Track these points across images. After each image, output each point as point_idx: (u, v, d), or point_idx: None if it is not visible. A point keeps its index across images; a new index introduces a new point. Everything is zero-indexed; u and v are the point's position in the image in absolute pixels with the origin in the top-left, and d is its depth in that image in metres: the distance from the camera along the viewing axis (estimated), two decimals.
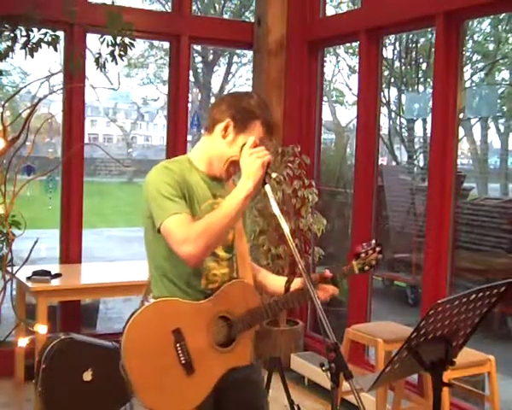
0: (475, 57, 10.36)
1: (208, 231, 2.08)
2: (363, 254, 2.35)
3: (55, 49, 4.37)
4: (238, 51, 13.53)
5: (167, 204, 2.12)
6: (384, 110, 10.62)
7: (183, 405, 2.19)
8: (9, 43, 4.24)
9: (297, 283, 2.37)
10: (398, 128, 11.34)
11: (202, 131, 2.58)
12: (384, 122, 10.95)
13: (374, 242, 2.39)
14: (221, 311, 2.25)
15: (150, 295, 2.29)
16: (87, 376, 3.89)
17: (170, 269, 2.22)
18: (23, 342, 4.44)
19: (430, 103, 4.35)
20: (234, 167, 2.26)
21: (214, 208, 2.21)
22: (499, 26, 10.29)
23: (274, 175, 2.17)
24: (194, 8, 10.40)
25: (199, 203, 2.23)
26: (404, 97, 11.21)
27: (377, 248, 2.37)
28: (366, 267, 2.35)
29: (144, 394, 2.16)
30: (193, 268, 2.18)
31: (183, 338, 2.17)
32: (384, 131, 10.70)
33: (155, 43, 14.21)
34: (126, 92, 18.76)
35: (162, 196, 2.13)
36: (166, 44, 6.48)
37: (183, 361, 2.17)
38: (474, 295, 2.03)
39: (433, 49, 7.51)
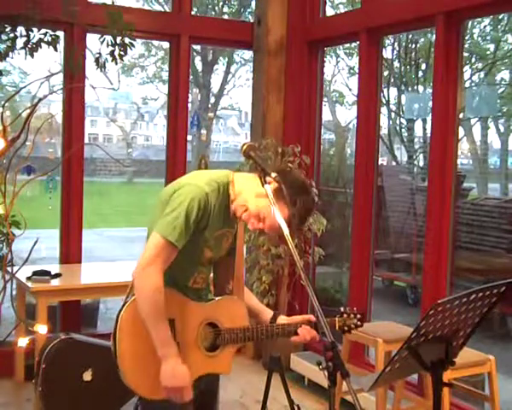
0: (475, 57, 10.36)
1: (151, 307, 2.17)
2: (345, 315, 2.53)
3: (55, 49, 4.37)
4: (238, 51, 13.54)
5: (177, 228, 2.18)
6: (384, 110, 10.63)
7: (159, 391, 2.24)
8: (9, 44, 4.24)
9: (281, 320, 2.49)
10: (398, 128, 11.34)
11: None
12: (384, 122, 10.96)
13: (356, 310, 2.58)
14: (212, 317, 2.35)
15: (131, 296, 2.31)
16: (87, 376, 3.89)
17: (176, 267, 2.27)
18: (23, 342, 4.45)
19: (430, 103, 4.35)
20: (253, 225, 2.30)
21: (223, 237, 2.38)
22: (498, 27, 10.29)
23: (274, 175, 2.18)
24: (195, 9, 10.40)
25: (216, 229, 2.32)
26: (403, 97, 11.22)
27: (358, 316, 2.55)
28: (345, 328, 2.53)
29: (128, 372, 2.24)
30: (187, 271, 2.34)
31: (174, 329, 2.26)
32: (384, 131, 10.71)
33: (155, 43, 14.22)
34: (126, 92, 18.76)
35: (181, 221, 2.19)
36: (166, 44, 6.47)
37: None
38: (474, 295, 2.03)
39: (432, 49, 7.52)
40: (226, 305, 2.40)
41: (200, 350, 2.32)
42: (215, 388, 2.55)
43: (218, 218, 2.31)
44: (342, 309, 2.54)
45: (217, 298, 2.41)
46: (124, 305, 2.27)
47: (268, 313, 2.54)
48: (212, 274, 2.51)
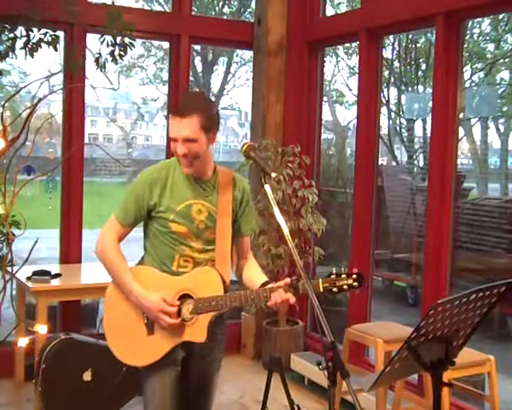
0: (475, 57, 10.35)
1: (108, 266, 2.55)
2: (333, 276, 2.35)
3: (55, 49, 4.37)
4: (238, 51, 13.53)
5: (122, 207, 2.53)
6: (384, 110, 10.61)
7: (140, 359, 2.51)
8: (9, 44, 4.24)
9: (269, 286, 2.48)
10: (398, 128, 11.33)
11: None
12: (384, 122, 10.94)
13: (355, 270, 2.37)
14: (186, 289, 2.47)
15: None
16: (87, 376, 3.89)
17: (151, 248, 2.58)
18: (23, 342, 4.44)
19: (430, 103, 4.35)
20: (179, 156, 2.48)
21: (192, 209, 2.51)
22: (498, 27, 10.29)
23: (273, 175, 2.19)
24: (195, 9, 10.41)
25: (177, 204, 2.50)
26: (403, 97, 11.21)
27: (353, 276, 2.35)
28: (334, 289, 2.35)
29: (114, 343, 2.53)
30: (167, 252, 2.53)
31: None
32: (384, 131, 10.69)
33: (155, 43, 14.21)
34: (126, 92, 18.75)
35: (125, 198, 2.54)
36: (166, 44, 6.47)
37: (145, 321, 2.48)
38: (474, 295, 2.03)
39: (432, 49, 7.52)
40: (199, 276, 2.49)
41: (176, 320, 2.45)
42: (214, 354, 2.63)
43: (179, 191, 2.50)
44: (332, 270, 2.38)
45: (192, 270, 2.51)
46: None
47: (258, 282, 2.54)
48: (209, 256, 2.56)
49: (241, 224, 2.64)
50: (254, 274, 2.63)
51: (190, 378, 2.61)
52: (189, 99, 2.52)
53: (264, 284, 2.49)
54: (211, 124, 2.46)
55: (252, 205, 2.69)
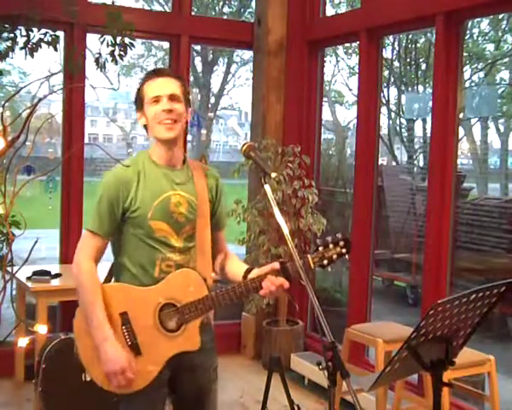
0: (475, 57, 10.35)
1: (80, 292, 2.47)
2: (321, 248, 2.23)
3: (55, 49, 4.37)
4: (238, 51, 13.53)
5: (94, 217, 2.34)
6: (384, 110, 10.62)
7: (132, 384, 2.29)
8: (9, 44, 4.24)
9: (253, 273, 2.35)
10: (398, 128, 11.34)
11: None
12: (384, 122, 10.95)
13: (339, 236, 2.23)
14: (167, 297, 2.30)
15: None
16: (87, 376, 3.88)
17: (130, 256, 2.37)
18: (23, 342, 4.44)
19: (430, 103, 4.34)
20: (160, 117, 2.34)
21: (171, 202, 2.34)
22: (498, 27, 10.29)
23: (273, 175, 2.18)
24: (195, 9, 10.40)
25: (154, 198, 2.33)
26: (403, 97, 11.21)
27: (340, 243, 2.23)
28: (325, 262, 2.23)
29: (93, 371, 2.35)
30: (147, 257, 2.33)
31: (128, 321, 2.28)
32: (384, 131, 10.70)
33: (155, 43, 14.21)
34: (126, 92, 18.75)
35: (96, 207, 2.34)
36: (166, 44, 6.47)
37: (129, 343, 2.29)
38: (474, 295, 2.03)
39: (432, 49, 7.52)
40: (178, 280, 2.32)
41: (163, 333, 2.30)
42: (208, 363, 2.47)
43: (154, 184, 2.34)
44: (318, 242, 2.24)
45: (167, 276, 2.33)
46: None
47: (239, 270, 2.42)
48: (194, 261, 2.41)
49: (219, 216, 2.50)
50: (235, 266, 2.49)
51: (185, 396, 2.45)
52: (167, 69, 2.53)
53: (247, 272, 2.36)
54: (188, 98, 2.42)
55: (225, 195, 2.56)
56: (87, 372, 2.37)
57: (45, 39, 4.29)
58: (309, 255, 2.24)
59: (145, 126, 2.42)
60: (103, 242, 2.35)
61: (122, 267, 2.40)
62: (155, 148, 2.41)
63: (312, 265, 2.23)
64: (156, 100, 2.34)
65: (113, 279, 2.44)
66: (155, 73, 2.40)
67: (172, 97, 2.34)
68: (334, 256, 2.23)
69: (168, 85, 2.35)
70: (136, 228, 2.33)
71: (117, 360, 2.24)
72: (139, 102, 2.41)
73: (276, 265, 2.28)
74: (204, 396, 2.47)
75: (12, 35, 4.22)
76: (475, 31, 10.41)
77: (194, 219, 2.38)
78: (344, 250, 2.24)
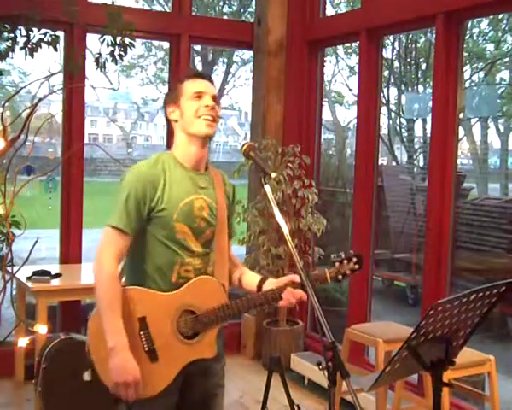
0: (475, 57, 10.36)
1: (101, 294, 2.21)
2: (337, 263, 2.36)
3: (55, 49, 4.37)
4: (238, 51, 13.54)
5: (121, 214, 2.24)
6: (384, 110, 10.62)
7: (146, 390, 2.23)
8: (9, 44, 4.24)
9: (270, 283, 2.39)
10: (398, 128, 11.34)
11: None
12: (384, 122, 10.96)
13: (352, 252, 2.40)
14: (187, 304, 2.29)
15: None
16: (87, 376, 3.88)
17: (147, 259, 2.30)
18: (23, 342, 4.45)
19: (430, 103, 4.35)
20: (202, 112, 2.32)
21: (195, 205, 2.31)
22: (498, 27, 10.29)
23: (273, 175, 2.18)
24: (195, 9, 10.39)
25: (180, 199, 2.29)
26: (403, 97, 11.22)
27: (354, 259, 2.38)
28: (339, 276, 2.37)
29: (105, 374, 2.22)
30: (166, 260, 2.28)
31: (147, 326, 2.24)
32: (384, 131, 10.71)
33: (155, 43, 14.21)
34: (126, 92, 18.76)
35: (123, 205, 2.24)
36: (166, 44, 6.47)
37: (147, 349, 2.23)
38: (474, 295, 2.03)
39: (432, 49, 7.52)
40: (198, 287, 2.31)
41: (180, 340, 2.28)
42: (216, 368, 2.45)
43: (180, 185, 2.30)
44: (333, 257, 2.38)
45: (188, 282, 2.30)
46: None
47: (253, 280, 2.44)
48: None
49: (230, 224, 2.51)
50: (249, 275, 2.50)
51: (193, 401, 2.40)
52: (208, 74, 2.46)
53: (261, 281, 2.39)
54: None
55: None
56: (99, 374, 2.26)
57: (45, 39, 4.30)
58: (326, 269, 2.36)
59: (174, 121, 2.38)
60: (129, 240, 2.25)
61: (137, 269, 2.32)
62: (184, 147, 2.36)
63: (329, 279, 2.36)
64: (199, 96, 2.32)
65: (123, 279, 2.37)
66: (200, 75, 2.40)
67: (214, 98, 2.35)
68: (348, 272, 2.36)
69: (211, 87, 2.38)
70: (158, 229, 2.28)
71: (132, 373, 2.16)
72: (174, 96, 2.37)
73: (297, 278, 2.31)
74: (211, 400, 2.46)
75: (12, 35, 4.22)
76: (475, 31, 10.42)
77: (214, 224, 2.37)
78: (357, 266, 2.38)
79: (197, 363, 2.31)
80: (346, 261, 2.36)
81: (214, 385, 2.46)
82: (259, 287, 2.39)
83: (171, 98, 2.39)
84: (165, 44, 9.70)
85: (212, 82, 2.42)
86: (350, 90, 12.75)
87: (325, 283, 2.37)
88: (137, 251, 2.30)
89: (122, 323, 2.17)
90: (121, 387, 2.17)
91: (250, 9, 12.70)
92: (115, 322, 2.17)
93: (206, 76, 2.41)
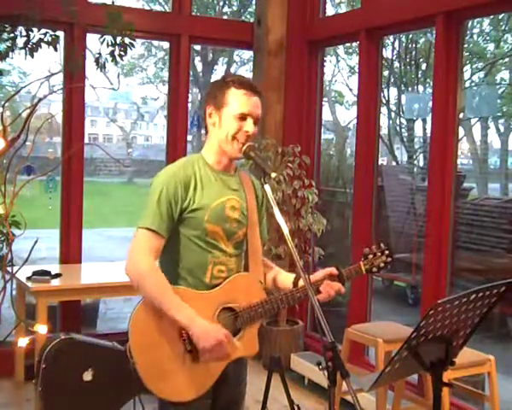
0: (475, 57, 10.36)
1: (150, 292, 2.16)
2: (370, 256, 2.40)
3: (55, 49, 4.37)
4: (238, 51, 13.54)
5: (154, 215, 2.20)
6: (384, 110, 10.62)
7: (192, 392, 2.21)
8: (9, 44, 4.24)
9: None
10: (398, 128, 11.34)
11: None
12: (384, 122, 10.96)
13: (383, 245, 2.42)
14: (227, 301, 2.27)
15: None
16: (87, 376, 3.88)
17: (179, 259, 2.27)
18: (23, 342, 4.44)
19: (430, 103, 4.35)
20: (240, 138, 2.27)
21: (226, 206, 2.29)
22: (498, 27, 10.29)
23: (273, 175, 2.18)
24: (195, 9, 10.41)
25: (212, 200, 2.27)
26: (403, 97, 11.21)
27: (386, 252, 2.41)
28: (374, 269, 2.40)
29: (156, 385, 2.18)
30: (198, 260, 2.25)
31: None
32: (384, 131, 10.70)
33: (155, 43, 14.22)
34: (126, 92, 18.77)
35: (155, 206, 2.21)
36: (166, 44, 6.47)
37: (189, 349, 2.19)
38: (474, 295, 2.03)
39: (432, 49, 7.52)
40: (237, 283, 2.30)
41: None
42: (243, 374, 2.44)
43: (210, 187, 2.28)
44: (367, 250, 2.41)
45: (225, 280, 2.29)
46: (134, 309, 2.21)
47: (288, 278, 2.44)
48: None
49: (262, 228, 2.50)
50: (283, 274, 2.49)
51: (218, 407, 2.35)
52: (258, 86, 2.34)
53: (296, 278, 2.36)
54: None
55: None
56: (146, 384, 2.17)
57: (45, 39, 4.30)
58: (361, 262, 2.39)
59: (211, 124, 2.31)
60: (162, 242, 2.21)
61: (169, 270, 2.26)
62: (214, 154, 2.34)
63: (364, 271, 2.40)
64: (243, 117, 2.25)
65: None
66: (251, 89, 2.27)
67: (257, 120, 2.28)
68: (382, 264, 2.40)
69: (258, 106, 2.28)
70: (190, 229, 2.25)
71: (213, 334, 2.13)
72: (217, 101, 2.27)
73: (335, 270, 2.34)
74: (235, 406, 2.45)
75: (12, 35, 4.22)
76: (475, 31, 10.42)
77: (245, 226, 2.36)
78: (389, 259, 2.41)
79: (226, 367, 2.27)
80: (379, 254, 2.40)
81: (240, 394, 2.45)
82: (295, 284, 2.38)
83: (214, 101, 2.29)
84: (166, 44, 9.70)
85: (261, 96, 2.31)
86: (350, 90, 12.77)
87: (360, 274, 2.40)
88: (169, 252, 2.27)
89: (178, 298, 2.14)
90: (211, 352, 2.14)
91: (250, 9, 12.70)
92: (174, 301, 2.13)
93: (257, 92, 2.29)
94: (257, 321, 2.31)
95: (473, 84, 10.44)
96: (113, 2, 4.60)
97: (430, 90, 5.24)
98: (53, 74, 4.51)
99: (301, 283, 2.35)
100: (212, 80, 16.04)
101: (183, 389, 2.21)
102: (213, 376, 2.25)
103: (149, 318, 2.18)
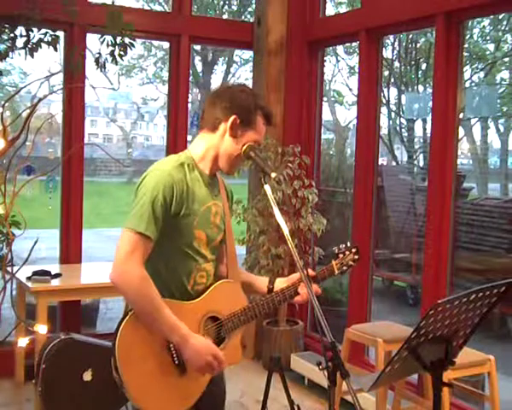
0: (475, 57, 10.36)
1: (142, 304, 2.09)
2: (340, 255, 2.43)
3: (55, 49, 4.37)
4: (238, 51, 13.54)
5: (147, 218, 2.09)
6: (384, 110, 10.61)
7: (180, 404, 2.21)
8: (9, 44, 4.24)
9: (281, 282, 2.41)
10: (398, 128, 11.33)
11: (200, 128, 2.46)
12: (384, 122, 10.94)
13: (349, 244, 2.47)
14: (210, 311, 2.27)
15: None
16: (87, 376, 3.88)
17: (165, 270, 2.22)
18: (23, 342, 4.44)
19: (430, 103, 4.34)
20: (238, 162, 2.30)
21: (211, 212, 2.27)
22: (498, 27, 10.29)
23: (273, 175, 2.18)
24: (195, 9, 10.40)
25: (200, 205, 2.24)
26: (403, 97, 11.21)
27: (353, 249, 2.45)
28: (344, 268, 2.43)
29: (142, 400, 2.14)
30: (184, 267, 2.22)
31: None
32: (384, 131, 10.69)
33: (155, 43, 14.21)
34: (126, 92, 18.76)
35: (147, 208, 2.10)
36: (166, 44, 6.47)
37: (177, 362, 2.18)
38: (474, 295, 2.03)
39: (432, 49, 7.52)
40: (220, 292, 2.29)
41: None
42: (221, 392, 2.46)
43: (199, 191, 2.23)
44: (336, 249, 2.44)
45: (208, 289, 2.27)
46: (119, 324, 2.15)
47: (262, 282, 2.45)
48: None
49: None
50: (255, 277, 2.51)
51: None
52: None
53: (270, 282, 2.41)
54: None
55: None
56: (132, 399, 2.14)
57: (45, 39, 4.30)
58: (333, 261, 2.42)
59: (224, 131, 2.25)
60: (151, 247, 2.11)
61: (152, 279, 2.14)
62: (208, 160, 2.29)
63: (336, 270, 2.42)
64: (252, 144, 2.26)
65: None
66: (271, 122, 2.33)
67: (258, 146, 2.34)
68: (351, 263, 2.44)
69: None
70: (177, 235, 2.18)
71: (207, 349, 2.15)
72: (249, 120, 2.24)
73: (312, 272, 2.34)
74: (220, 407, 2.48)
75: (12, 35, 4.22)
76: (475, 31, 10.41)
77: (223, 231, 2.35)
78: (357, 256, 2.45)
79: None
80: (347, 252, 2.43)
81: (222, 391, 2.48)
82: (269, 288, 2.41)
83: (245, 116, 2.24)
84: (166, 44, 9.69)
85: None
86: (350, 90, 12.75)
87: (333, 275, 2.42)
88: (152, 261, 2.16)
89: (172, 314, 2.09)
90: (205, 369, 2.16)
91: (250, 9, 12.71)
92: (170, 318, 2.09)
93: (272, 123, 2.37)
94: (240, 329, 2.33)
95: (473, 84, 10.43)
96: (113, 2, 4.60)
97: (430, 90, 5.23)
98: (53, 74, 4.51)
99: (276, 286, 2.39)
100: (211, 80, 15.93)
101: (172, 405, 2.19)
102: (201, 387, 2.24)
103: (136, 332, 2.13)
